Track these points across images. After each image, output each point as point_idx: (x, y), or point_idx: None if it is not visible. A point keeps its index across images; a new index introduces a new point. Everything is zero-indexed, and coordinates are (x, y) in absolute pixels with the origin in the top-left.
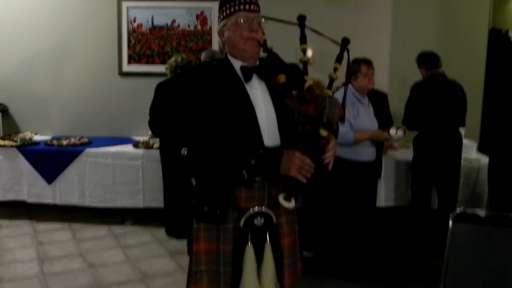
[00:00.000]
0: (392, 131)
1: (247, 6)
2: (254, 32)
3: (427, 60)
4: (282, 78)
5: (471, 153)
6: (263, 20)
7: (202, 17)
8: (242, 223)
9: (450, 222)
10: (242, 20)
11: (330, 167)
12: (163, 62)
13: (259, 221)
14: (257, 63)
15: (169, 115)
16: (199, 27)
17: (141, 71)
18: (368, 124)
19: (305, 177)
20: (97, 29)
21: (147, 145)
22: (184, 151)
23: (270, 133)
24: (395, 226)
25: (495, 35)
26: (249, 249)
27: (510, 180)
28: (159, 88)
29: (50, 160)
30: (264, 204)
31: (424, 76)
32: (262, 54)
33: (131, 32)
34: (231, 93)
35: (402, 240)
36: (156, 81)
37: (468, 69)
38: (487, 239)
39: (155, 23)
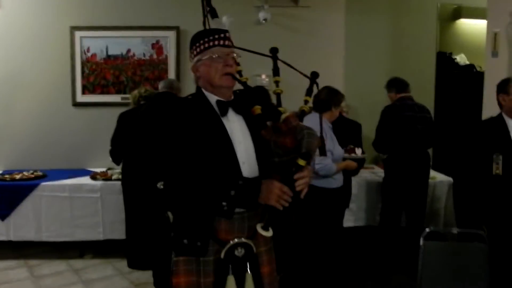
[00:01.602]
0: (358, 151)
1: (221, 42)
2: (229, 67)
3: (398, 84)
4: (257, 109)
5: None
6: (236, 54)
7: (157, 46)
8: (223, 254)
9: (421, 240)
10: (217, 55)
11: (302, 195)
12: (118, 92)
13: (239, 252)
14: (232, 96)
15: (132, 144)
16: (154, 56)
17: (96, 101)
18: (341, 152)
19: (283, 206)
20: (49, 59)
21: (105, 176)
22: (160, 185)
23: (249, 165)
24: (365, 246)
25: (441, 58)
26: (231, 280)
27: (473, 197)
28: (122, 118)
29: (3, 195)
30: (244, 235)
31: (393, 100)
32: (236, 87)
33: (85, 62)
34: (208, 126)
35: (372, 259)
36: (111, 111)
37: (419, 91)
38: (456, 255)
39: (110, 52)
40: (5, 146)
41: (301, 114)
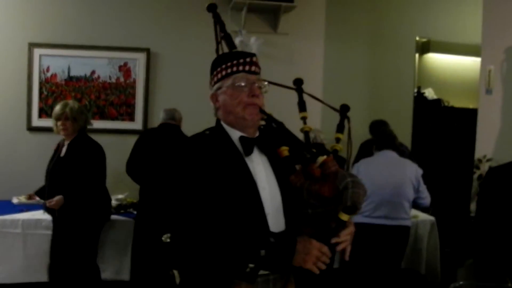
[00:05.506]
0: None
1: (247, 67)
2: (255, 98)
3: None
4: (284, 151)
5: None
6: (265, 83)
7: (125, 69)
8: None
9: None
10: (241, 83)
11: (347, 256)
12: None
13: None
14: (257, 133)
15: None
16: (122, 79)
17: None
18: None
19: (320, 269)
20: (3, 78)
21: None
22: (166, 238)
23: (274, 216)
24: None
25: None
26: None
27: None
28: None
29: None
30: None
31: None
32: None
33: (44, 83)
34: (229, 169)
35: None
36: None
37: (397, 124)
38: None
39: (72, 73)
40: None
41: (334, 154)
